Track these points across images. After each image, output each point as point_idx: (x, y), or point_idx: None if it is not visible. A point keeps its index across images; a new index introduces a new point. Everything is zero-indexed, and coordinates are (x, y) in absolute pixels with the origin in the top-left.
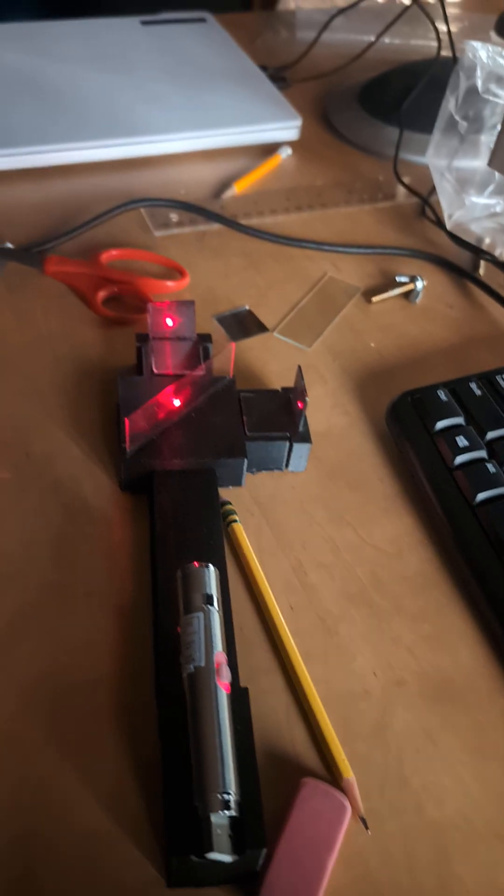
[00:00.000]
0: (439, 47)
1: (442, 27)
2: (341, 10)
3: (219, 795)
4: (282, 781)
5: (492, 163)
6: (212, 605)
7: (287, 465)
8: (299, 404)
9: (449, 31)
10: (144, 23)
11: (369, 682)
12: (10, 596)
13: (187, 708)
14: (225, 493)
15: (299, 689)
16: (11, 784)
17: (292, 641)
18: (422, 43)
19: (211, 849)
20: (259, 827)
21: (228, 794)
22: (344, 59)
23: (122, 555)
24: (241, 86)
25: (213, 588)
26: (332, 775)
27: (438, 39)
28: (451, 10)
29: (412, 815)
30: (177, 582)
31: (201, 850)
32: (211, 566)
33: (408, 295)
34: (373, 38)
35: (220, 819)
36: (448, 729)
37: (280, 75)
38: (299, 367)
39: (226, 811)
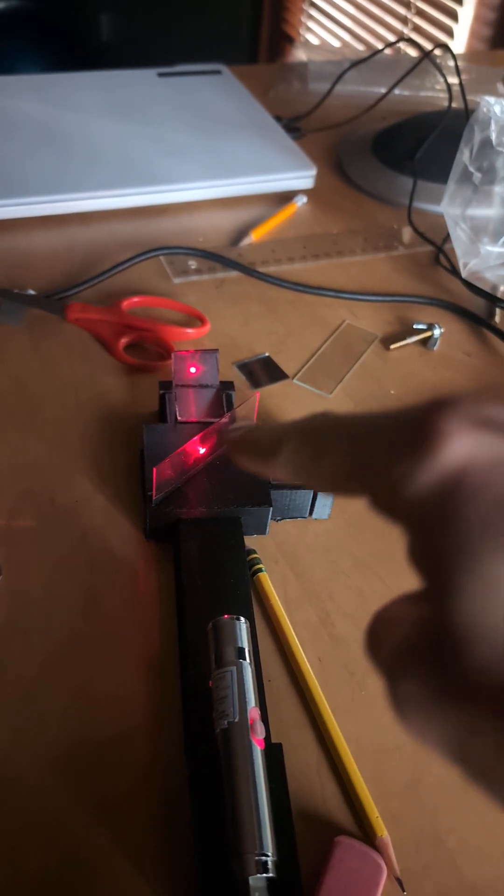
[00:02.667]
0: (450, 100)
1: (451, 80)
2: (354, 64)
3: (256, 857)
4: (315, 839)
5: None
6: (244, 658)
7: (311, 513)
8: None
9: (461, 85)
10: (161, 74)
11: (401, 737)
12: (38, 646)
13: (221, 765)
14: (250, 541)
15: (330, 744)
16: (40, 845)
17: (322, 695)
18: (430, 95)
19: None
20: (297, 889)
21: (266, 855)
22: (355, 110)
23: (149, 604)
24: (257, 136)
25: (245, 641)
26: (366, 833)
27: (449, 92)
28: (458, 63)
29: (449, 876)
30: (208, 635)
31: None
32: (242, 619)
33: (426, 342)
34: (383, 90)
35: (257, 882)
36: None
37: (294, 125)
38: None
39: (263, 873)
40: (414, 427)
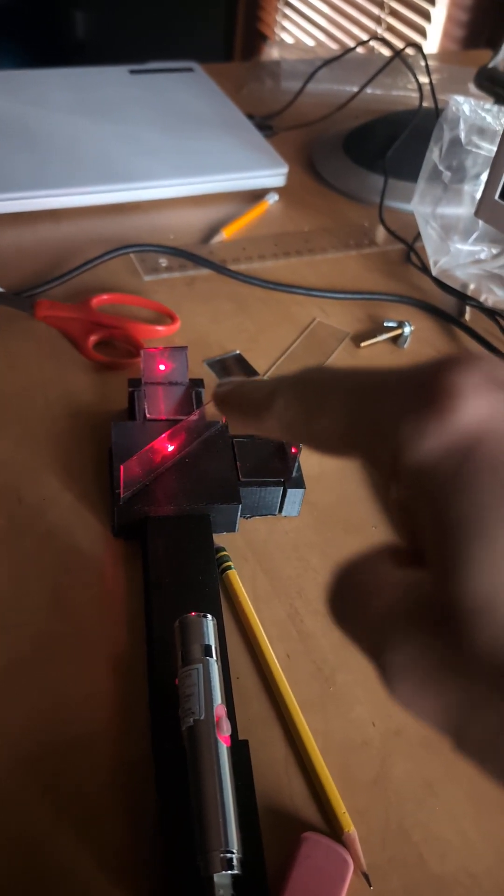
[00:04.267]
0: (421, 99)
1: (423, 79)
2: (326, 62)
3: (221, 854)
4: (282, 835)
5: (478, 213)
6: (210, 656)
7: (281, 511)
8: (293, 449)
9: (431, 84)
10: (133, 72)
11: (368, 732)
12: (4, 645)
13: (187, 762)
14: (219, 538)
15: (298, 740)
16: (6, 845)
17: (290, 692)
18: (402, 94)
19: None
20: (262, 886)
21: (231, 852)
22: (328, 109)
23: (116, 603)
24: (229, 134)
25: (212, 639)
26: (333, 828)
27: (420, 91)
28: (430, 63)
29: (415, 869)
30: (175, 633)
31: None
32: (209, 616)
33: (396, 339)
34: (355, 89)
35: (222, 879)
36: (449, 780)
37: (266, 124)
38: None
39: (229, 870)
40: (424, 384)
